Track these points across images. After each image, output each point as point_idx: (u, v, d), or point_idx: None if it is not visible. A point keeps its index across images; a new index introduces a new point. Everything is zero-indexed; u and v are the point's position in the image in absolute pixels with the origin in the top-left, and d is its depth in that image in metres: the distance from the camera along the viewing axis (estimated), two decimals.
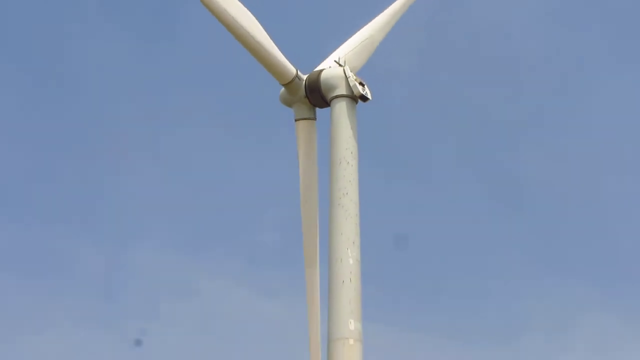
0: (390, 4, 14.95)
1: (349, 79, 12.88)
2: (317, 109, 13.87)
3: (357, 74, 13.94)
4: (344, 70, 13.13)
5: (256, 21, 12.43)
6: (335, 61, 13.30)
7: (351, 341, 13.03)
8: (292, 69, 12.81)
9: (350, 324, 13.25)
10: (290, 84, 12.81)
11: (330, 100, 13.05)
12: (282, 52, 12.53)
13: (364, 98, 13.18)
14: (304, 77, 13.03)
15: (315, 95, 13.05)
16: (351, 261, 13.13)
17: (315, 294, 15.28)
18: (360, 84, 13.08)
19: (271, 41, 12.50)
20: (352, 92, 12.97)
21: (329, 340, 13.34)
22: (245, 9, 12.14)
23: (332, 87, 12.87)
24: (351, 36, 14.68)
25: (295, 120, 13.36)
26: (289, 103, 13.56)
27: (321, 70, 13.27)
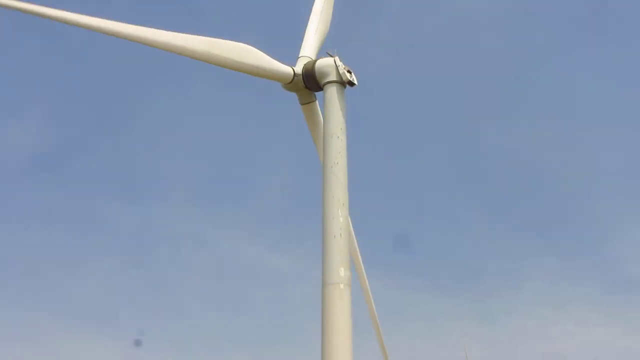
0: None
1: (338, 68, 15.18)
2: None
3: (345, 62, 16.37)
4: (334, 60, 15.47)
5: (249, 48, 14.65)
6: (327, 53, 15.62)
7: (341, 285, 15.51)
8: (289, 71, 15.06)
9: (340, 271, 15.69)
10: (291, 83, 15.24)
11: (323, 85, 15.43)
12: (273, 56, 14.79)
13: (351, 83, 15.56)
14: (300, 71, 15.35)
15: (311, 81, 15.39)
16: (341, 219, 15.56)
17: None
18: (348, 71, 15.41)
19: (266, 57, 14.68)
20: (342, 78, 15.33)
21: (323, 285, 15.76)
22: (232, 44, 14.28)
23: (324, 75, 15.24)
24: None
25: (301, 104, 15.91)
26: (290, 90, 16.01)
27: (315, 60, 15.58)
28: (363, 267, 19.06)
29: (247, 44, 14.56)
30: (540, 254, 67.48)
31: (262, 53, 14.57)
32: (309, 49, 15.77)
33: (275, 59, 14.64)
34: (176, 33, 14.70)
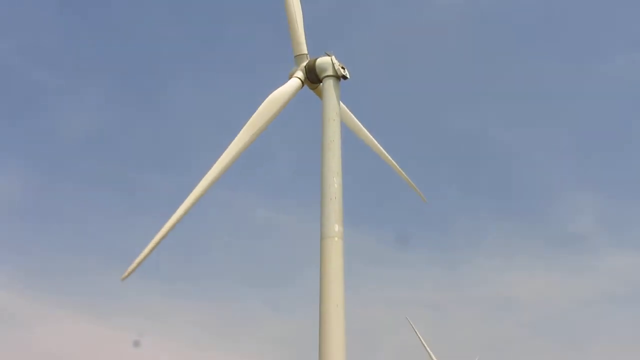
0: None
1: (334, 65, 18.78)
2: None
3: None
4: (331, 58, 19.03)
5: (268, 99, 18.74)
6: (326, 52, 19.14)
7: (336, 239, 19.26)
8: (298, 83, 19.07)
9: (335, 227, 19.36)
10: (299, 55, 18.94)
11: (322, 79, 19.07)
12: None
13: (344, 77, 19.25)
14: (308, 58, 19.08)
15: (312, 75, 18.93)
16: (336, 185, 19.19)
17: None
18: (342, 67, 19.01)
19: (279, 91, 18.84)
20: (337, 73, 18.91)
21: (321, 238, 19.51)
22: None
23: (323, 70, 18.76)
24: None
25: (311, 89, 19.61)
26: (293, 74, 19.63)
27: (316, 59, 19.19)
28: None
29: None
30: (495, 215, 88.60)
31: (276, 92, 19.28)
32: (301, 47, 19.48)
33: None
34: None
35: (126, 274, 15.18)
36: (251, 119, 18.36)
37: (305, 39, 19.01)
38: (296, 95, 19.44)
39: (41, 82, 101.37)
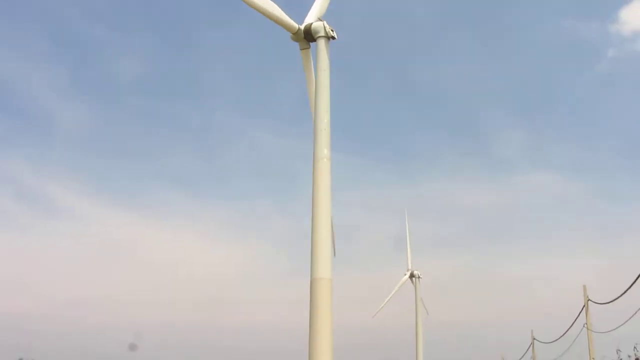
0: None
1: (325, 28, 24.16)
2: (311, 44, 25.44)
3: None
4: (323, 23, 24.39)
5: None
6: (319, 18, 24.46)
7: (325, 159, 25.43)
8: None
9: (324, 151, 25.38)
10: (295, 33, 24.31)
11: (316, 38, 24.56)
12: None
13: (333, 38, 24.71)
14: (302, 27, 24.48)
15: (308, 35, 24.31)
16: (325, 120, 25.16)
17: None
18: (331, 30, 24.48)
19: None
20: (327, 34, 24.39)
21: (314, 160, 25.61)
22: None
23: (317, 32, 24.09)
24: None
25: (300, 49, 25.03)
26: (295, 40, 24.98)
27: (311, 23, 24.54)
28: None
29: None
30: (449, 146, 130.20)
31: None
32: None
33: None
34: None
35: None
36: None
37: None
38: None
39: (99, 36, 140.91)
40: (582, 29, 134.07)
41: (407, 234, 73.33)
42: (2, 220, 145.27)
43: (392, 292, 75.66)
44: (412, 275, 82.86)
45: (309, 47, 26.30)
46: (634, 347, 14.48)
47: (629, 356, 14.60)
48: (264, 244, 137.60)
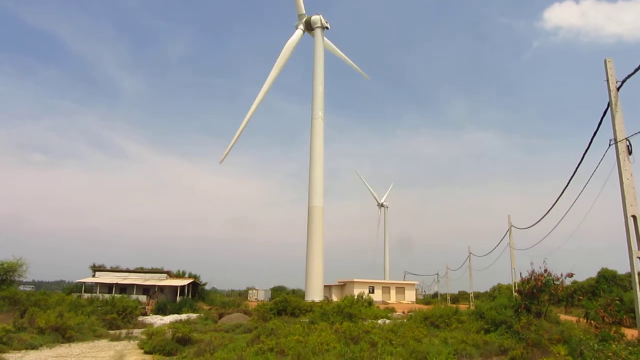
0: None
1: (321, 20, 33.11)
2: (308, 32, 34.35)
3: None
4: (320, 17, 33.27)
5: None
6: (317, 14, 33.12)
7: (319, 119, 34.38)
8: (303, 10, 33.62)
9: (320, 112, 34.48)
10: (301, 15, 33.64)
11: (314, 28, 33.59)
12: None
13: (327, 28, 33.39)
14: (306, 17, 33.64)
15: (308, 26, 33.63)
16: (320, 88, 33.77)
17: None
18: (326, 22, 33.20)
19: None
20: (323, 25, 33.17)
21: (312, 118, 34.95)
22: None
23: (315, 23, 33.07)
24: None
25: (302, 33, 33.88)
26: (299, 27, 34.12)
27: (311, 16, 33.59)
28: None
29: None
30: (413, 111, 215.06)
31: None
32: (301, 9, 33.68)
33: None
34: None
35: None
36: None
37: (303, 3, 32.73)
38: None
39: (154, 25, 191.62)
40: (514, 25, 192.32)
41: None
42: (79, 162, 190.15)
43: (370, 189, 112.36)
44: (381, 205, 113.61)
45: (310, 34, 34.05)
46: (544, 261, 21.56)
47: (540, 267, 21.71)
48: (275, 181, 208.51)
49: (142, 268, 62.27)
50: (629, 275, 14.52)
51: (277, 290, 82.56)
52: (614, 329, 15.96)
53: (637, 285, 13.83)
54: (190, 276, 61.38)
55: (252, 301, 66.21)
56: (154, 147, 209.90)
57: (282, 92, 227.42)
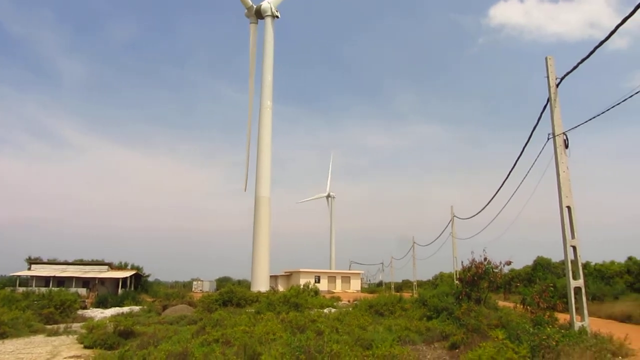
0: None
1: (272, 8, 32.70)
2: (259, 20, 34.00)
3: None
4: (270, 5, 32.88)
5: None
6: (267, 2, 32.96)
7: (268, 109, 34.00)
8: (251, 4, 33.27)
9: (267, 102, 34.04)
10: (249, 10, 33.28)
11: (264, 17, 33.15)
12: None
13: (277, 17, 33.04)
14: (255, 6, 33.29)
15: (258, 13, 33.19)
16: (269, 78, 33.43)
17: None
18: (276, 10, 32.80)
19: None
20: (273, 14, 32.78)
21: (261, 108, 34.62)
22: None
23: (265, 11, 32.65)
24: None
25: (250, 23, 33.72)
26: (248, 16, 33.82)
27: (261, 4, 33.19)
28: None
29: None
30: (360, 103, 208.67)
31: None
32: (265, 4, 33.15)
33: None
34: None
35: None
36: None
37: None
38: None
39: (96, 7, 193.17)
40: (461, 22, 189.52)
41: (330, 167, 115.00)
42: (16, 150, 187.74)
43: (313, 197, 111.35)
44: (328, 196, 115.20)
45: (256, 23, 33.81)
46: (484, 250, 22.12)
47: (480, 255, 22.04)
48: (221, 170, 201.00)
49: (81, 260, 60.26)
50: (563, 263, 15.26)
51: (222, 281, 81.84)
52: (548, 313, 16.77)
53: (570, 272, 14.56)
54: (132, 268, 59.91)
55: (197, 292, 65.29)
56: (96, 135, 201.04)
57: (229, 81, 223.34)
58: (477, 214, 29.97)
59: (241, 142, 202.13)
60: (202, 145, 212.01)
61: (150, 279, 65.86)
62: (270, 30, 41.90)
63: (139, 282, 59.26)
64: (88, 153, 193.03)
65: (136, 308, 37.35)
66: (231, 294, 33.54)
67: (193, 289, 76.16)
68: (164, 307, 36.49)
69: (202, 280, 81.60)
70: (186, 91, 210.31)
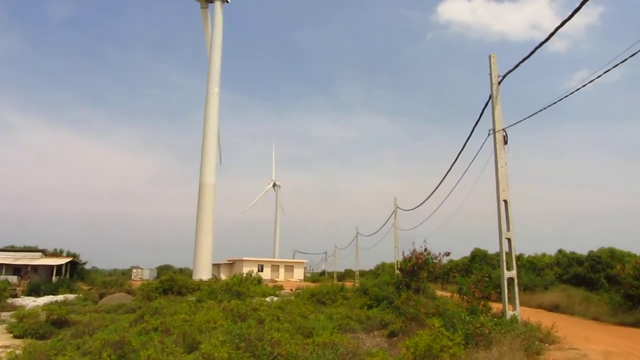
0: None
1: None
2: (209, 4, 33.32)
3: None
4: None
5: None
6: None
7: (215, 95, 33.27)
8: None
9: (215, 88, 33.22)
10: None
11: (214, 1, 32.42)
12: None
13: (227, 1, 32.37)
14: None
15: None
16: (217, 65, 32.83)
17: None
18: None
19: None
20: None
21: (207, 94, 33.78)
22: None
23: None
24: None
25: (200, 8, 33.02)
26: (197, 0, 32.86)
27: None
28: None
29: None
30: (308, 92, 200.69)
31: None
32: None
33: None
34: None
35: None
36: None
37: None
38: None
39: None
40: (410, 17, 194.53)
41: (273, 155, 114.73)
42: None
43: (258, 197, 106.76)
44: (274, 185, 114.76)
45: (207, 7, 33.32)
46: (424, 240, 22.79)
47: (420, 246, 22.43)
48: (164, 156, 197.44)
49: (12, 246, 57.44)
50: (498, 255, 15.89)
51: (163, 269, 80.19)
52: (482, 303, 17.44)
53: (504, 263, 15.17)
54: (68, 255, 57.66)
55: (136, 280, 63.69)
56: (33, 115, 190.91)
57: (176, 65, 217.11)
58: (418, 206, 30.74)
59: (186, 128, 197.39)
60: (145, 130, 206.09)
61: (87, 266, 63.63)
62: (219, 14, 41.27)
63: (75, 270, 57.14)
64: (21, 134, 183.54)
65: (71, 296, 36.02)
66: (172, 282, 32.95)
67: (132, 277, 74.22)
68: (101, 296, 35.37)
69: (142, 268, 79.67)
70: (130, 74, 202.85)
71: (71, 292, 40.44)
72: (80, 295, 36.49)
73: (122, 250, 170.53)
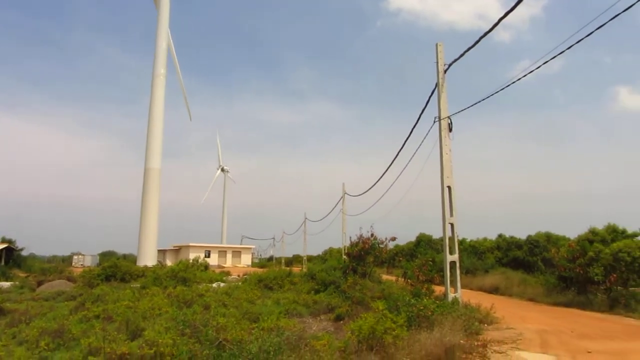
0: None
1: None
2: None
3: None
4: None
5: None
6: None
7: (161, 77, 32.36)
8: None
9: (161, 70, 32.21)
10: None
11: None
12: None
13: None
14: None
15: None
16: (164, 45, 31.91)
17: None
18: None
19: None
20: None
21: (153, 77, 32.78)
22: None
23: None
24: None
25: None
26: None
27: None
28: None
29: None
30: (259, 77, 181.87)
31: None
32: None
33: None
34: None
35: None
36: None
37: None
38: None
39: None
40: (361, 4, 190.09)
41: (218, 139, 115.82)
42: None
43: (211, 184, 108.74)
44: (222, 169, 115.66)
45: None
46: (371, 226, 22.86)
47: (367, 231, 22.72)
48: (111, 139, 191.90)
49: None
50: (442, 239, 16.34)
51: (106, 256, 78.06)
52: (425, 286, 17.93)
53: (447, 247, 15.61)
54: (4, 241, 55.17)
55: (77, 267, 61.65)
56: None
57: (123, 47, 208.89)
58: (365, 192, 31.13)
59: (134, 111, 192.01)
60: (89, 114, 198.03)
61: (24, 252, 61.01)
62: (165, 3, 39.75)
63: (10, 257, 54.73)
64: None
65: (6, 284, 34.44)
66: (115, 269, 32.07)
67: (73, 264, 71.85)
68: (40, 283, 34.03)
69: (83, 255, 77.24)
70: (75, 54, 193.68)
71: (6, 280, 38.70)
72: (17, 283, 34.98)
73: (63, 236, 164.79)
